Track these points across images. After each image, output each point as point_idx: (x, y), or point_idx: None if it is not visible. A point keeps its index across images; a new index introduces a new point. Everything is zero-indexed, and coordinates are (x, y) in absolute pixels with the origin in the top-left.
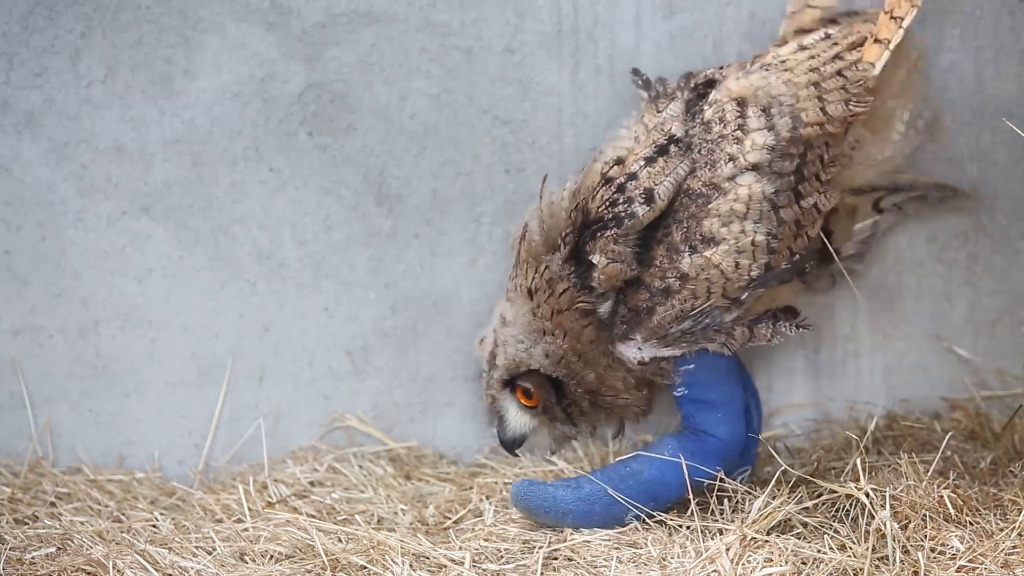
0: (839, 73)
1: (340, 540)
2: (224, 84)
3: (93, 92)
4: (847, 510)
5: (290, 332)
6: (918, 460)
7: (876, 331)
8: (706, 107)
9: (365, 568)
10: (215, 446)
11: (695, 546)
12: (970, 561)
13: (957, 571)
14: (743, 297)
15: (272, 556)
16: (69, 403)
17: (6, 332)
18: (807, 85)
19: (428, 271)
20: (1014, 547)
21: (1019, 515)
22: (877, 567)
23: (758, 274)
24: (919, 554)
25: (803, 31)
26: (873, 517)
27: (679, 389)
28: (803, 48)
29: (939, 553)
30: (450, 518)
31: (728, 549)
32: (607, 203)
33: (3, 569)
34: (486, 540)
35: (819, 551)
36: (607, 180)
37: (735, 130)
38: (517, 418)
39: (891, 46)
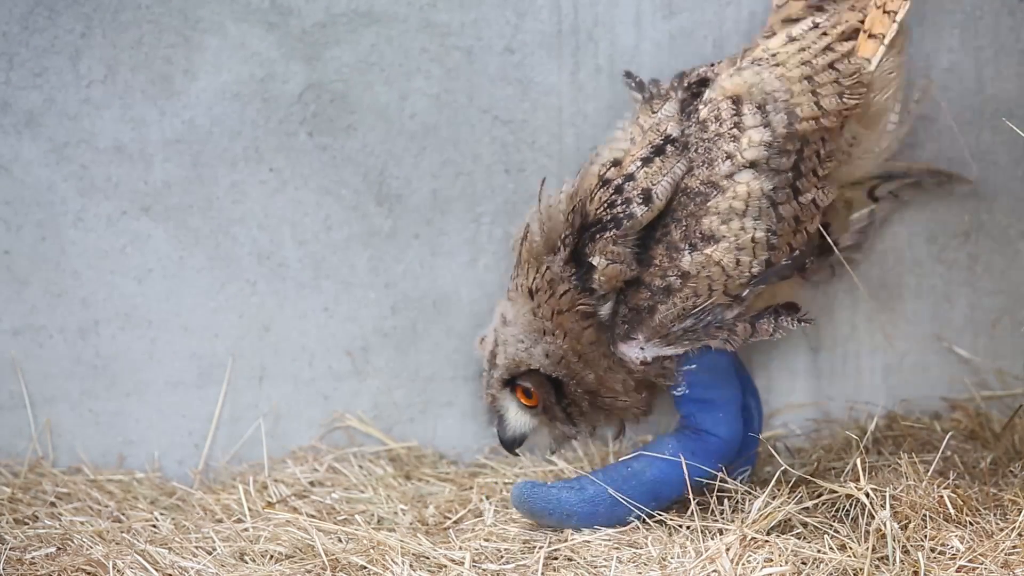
0: (831, 66)
1: (340, 540)
2: (224, 84)
3: (93, 92)
4: (847, 510)
5: (290, 332)
6: (918, 460)
7: (876, 331)
8: (701, 106)
9: (365, 568)
10: (215, 446)
11: (695, 546)
12: (970, 561)
13: (957, 571)
14: (744, 294)
15: (272, 556)
16: (69, 403)
17: (6, 332)
18: (800, 79)
19: (428, 271)
20: (1014, 547)
21: (1019, 515)
22: (877, 567)
23: (759, 271)
24: (919, 554)
25: (791, 20)
26: (873, 517)
27: (679, 389)
28: (792, 40)
29: (939, 553)
30: (450, 518)
31: (728, 549)
32: (605, 205)
33: (3, 569)
34: (486, 540)
35: (819, 551)
36: (604, 182)
37: (731, 128)
38: (517, 417)
39: (886, 41)
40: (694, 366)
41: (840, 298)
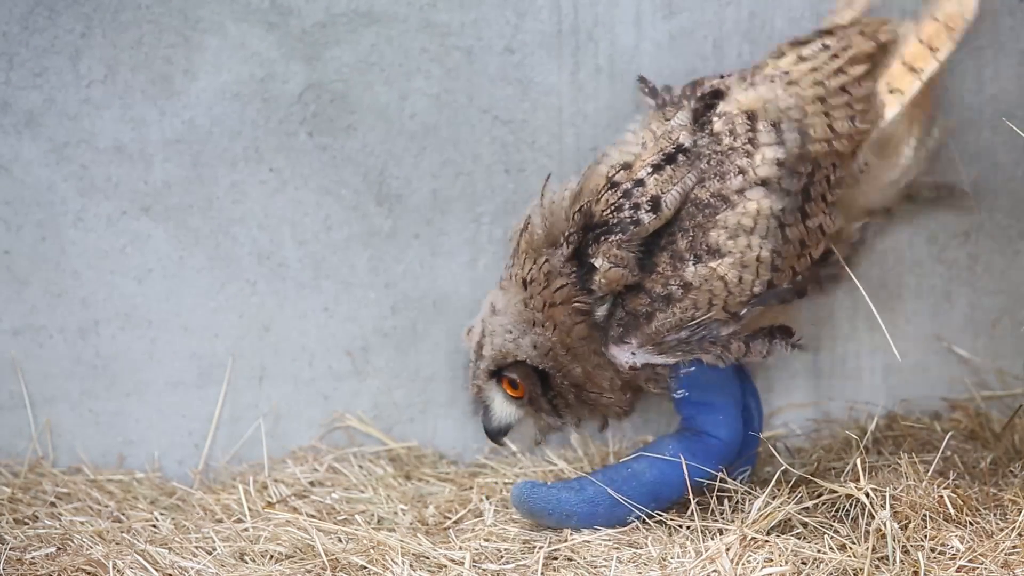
0: (843, 89)
1: (340, 540)
2: (224, 84)
3: (93, 92)
4: (847, 510)
5: (290, 332)
6: (918, 460)
7: (876, 331)
8: (715, 118)
9: (365, 568)
10: (215, 446)
11: (695, 546)
12: (970, 561)
13: (957, 571)
14: (743, 312)
15: (272, 556)
16: (69, 403)
17: (6, 332)
18: (814, 100)
19: (428, 271)
20: (1014, 547)
21: (1019, 515)
22: (877, 567)
23: (760, 291)
24: (919, 554)
25: (799, 42)
26: (873, 517)
27: (679, 392)
28: (803, 59)
29: (939, 553)
30: (450, 518)
31: (728, 549)
32: (612, 207)
33: (3, 569)
34: (486, 540)
35: (819, 551)
36: (613, 184)
37: (746, 143)
38: (503, 408)
39: (906, 100)
40: (693, 369)
41: (840, 298)
